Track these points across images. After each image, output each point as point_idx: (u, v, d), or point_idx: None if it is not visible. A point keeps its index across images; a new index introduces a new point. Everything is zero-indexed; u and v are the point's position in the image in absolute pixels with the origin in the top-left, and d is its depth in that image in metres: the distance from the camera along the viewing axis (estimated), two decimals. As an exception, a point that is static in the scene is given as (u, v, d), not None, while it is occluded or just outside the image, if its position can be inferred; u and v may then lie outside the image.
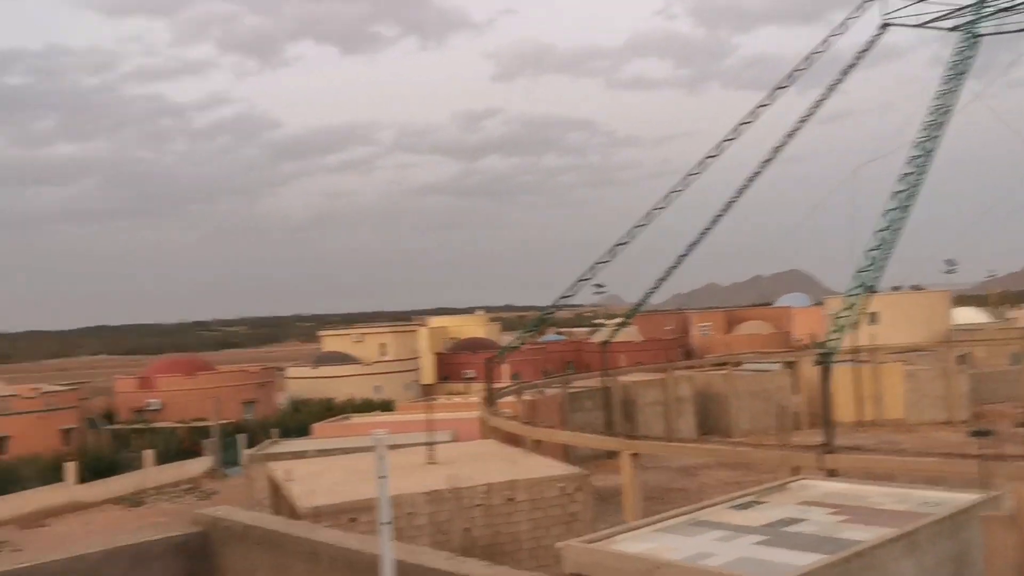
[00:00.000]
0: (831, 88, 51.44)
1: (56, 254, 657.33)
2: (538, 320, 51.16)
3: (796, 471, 26.87)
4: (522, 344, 48.70)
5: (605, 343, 54.82)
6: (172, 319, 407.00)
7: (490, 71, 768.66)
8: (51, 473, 47.42)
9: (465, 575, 4.70)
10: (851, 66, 50.64)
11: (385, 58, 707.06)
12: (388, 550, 4.11)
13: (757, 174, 51.34)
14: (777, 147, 50.43)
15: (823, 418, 28.28)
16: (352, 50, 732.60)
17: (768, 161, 51.52)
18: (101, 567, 5.43)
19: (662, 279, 53.73)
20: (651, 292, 54.97)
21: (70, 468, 47.00)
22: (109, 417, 65.95)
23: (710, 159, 47.07)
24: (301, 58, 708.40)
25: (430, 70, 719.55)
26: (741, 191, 52.42)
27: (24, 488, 46.13)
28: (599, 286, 54.84)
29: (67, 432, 55.48)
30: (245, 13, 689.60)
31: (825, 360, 30.57)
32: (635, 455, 30.18)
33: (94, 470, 49.24)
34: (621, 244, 45.96)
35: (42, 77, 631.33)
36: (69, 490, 46.58)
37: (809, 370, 64.96)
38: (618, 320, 60.77)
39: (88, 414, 63.41)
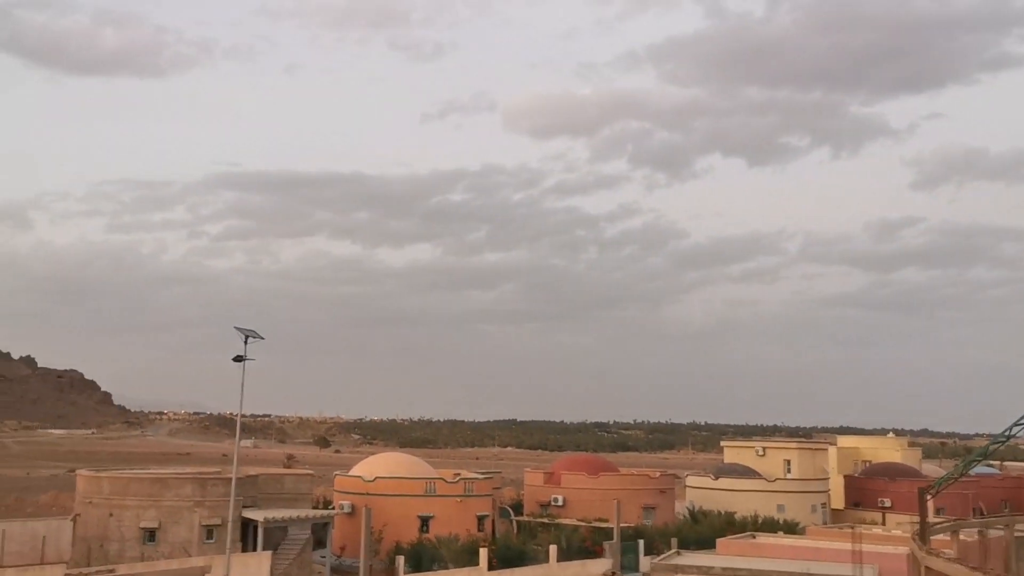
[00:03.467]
0: None
1: (476, 351, 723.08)
2: (984, 449, 44.63)
3: None
4: (961, 475, 42.67)
5: (1063, 483, 46.38)
6: (574, 418, 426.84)
7: (909, 179, 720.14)
8: (466, 556, 50.04)
9: None
10: None
11: (794, 168, 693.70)
12: None
13: None
14: None
15: None
16: (760, 161, 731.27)
17: None
18: None
19: None
20: None
21: (483, 554, 49.22)
22: (517, 508, 68.92)
23: None
24: (709, 170, 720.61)
25: (842, 179, 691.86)
26: None
27: (442, 567, 49.12)
28: (1049, 415, 46.95)
29: (481, 518, 58.60)
30: (657, 129, 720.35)
31: None
32: None
33: (503, 558, 51.16)
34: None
35: (477, 194, 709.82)
36: (481, 575, 48.68)
37: None
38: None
39: (499, 503, 66.79)
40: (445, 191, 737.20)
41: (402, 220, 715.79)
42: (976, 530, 45.38)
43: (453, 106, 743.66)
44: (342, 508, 56.55)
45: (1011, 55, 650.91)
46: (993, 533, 46.36)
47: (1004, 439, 39.54)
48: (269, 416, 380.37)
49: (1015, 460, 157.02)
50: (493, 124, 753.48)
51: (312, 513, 51.64)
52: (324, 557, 51.16)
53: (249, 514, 47.26)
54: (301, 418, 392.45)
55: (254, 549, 45.23)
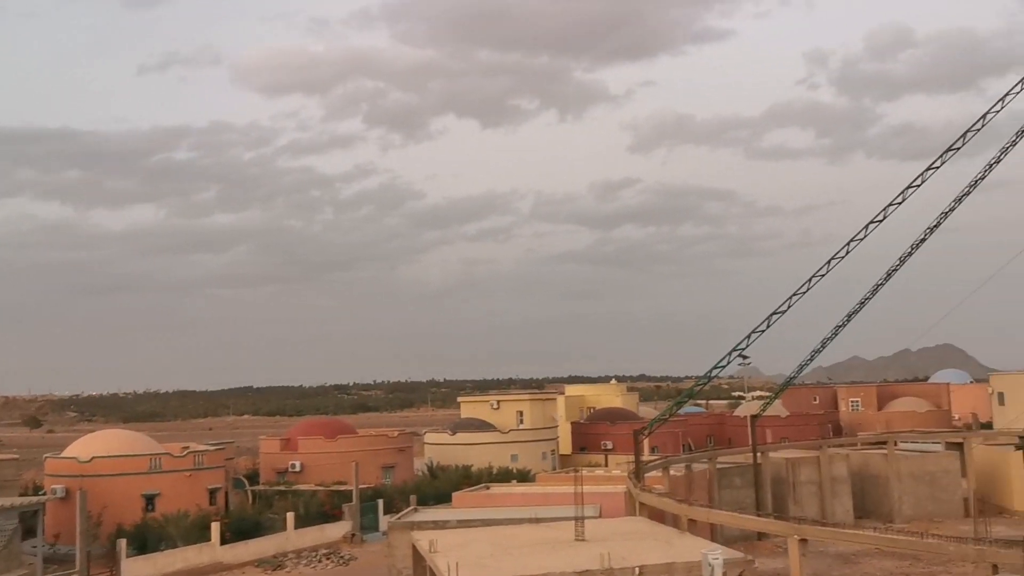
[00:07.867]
0: (1004, 152, 48.19)
1: (207, 317, 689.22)
2: (690, 391, 49.07)
3: (995, 569, 24.01)
4: (671, 415, 46.66)
5: (756, 417, 52.00)
6: (312, 382, 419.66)
7: (627, 142, 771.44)
8: (197, 532, 48.04)
9: None
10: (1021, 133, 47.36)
11: (524, 130, 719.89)
12: None
13: (922, 241, 48.30)
14: (945, 212, 47.31)
15: None
16: (492, 123, 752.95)
17: (934, 228, 48.43)
18: None
19: (817, 350, 50.83)
20: (805, 364, 52.07)
21: (215, 528, 47.49)
22: (253, 477, 66.95)
23: (874, 225, 44.44)
24: (444, 131, 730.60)
25: (568, 141, 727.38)
26: (904, 259, 49.39)
27: (171, 546, 46.87)
28: (744, 357, 52.47)
29: (213, 492, 56.37)
30: (392, 89, 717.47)
31: None
32: (803, 541, 27.69)
33: (237, 531, 49.65)
34: (778, 313, 43.62)
35: (205, 152, 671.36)
36: (213, 550, 47.00)
37: (980, 452, 59.94)
38: (769, 393, 57.65)
39: (233, 474, 64.54)
40: (169, 149, 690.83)
41: (120, 179, 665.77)
42: (684, 465, 49.85)
43: (175, 58, 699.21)
44: (54, 493, 52.15)
45: (713, 29, 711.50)
46: (698, 467, 51.15)
47: (706, 380, 43.73)
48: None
49: (719, 399, 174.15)
50: (220, 79, 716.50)
51: (18, 501, 47.09)
52: (36, 547, 46.98)
53: (-58, 508, 42.36)
54: (6, 398, 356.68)
55: (-51, 546, 40.64)
